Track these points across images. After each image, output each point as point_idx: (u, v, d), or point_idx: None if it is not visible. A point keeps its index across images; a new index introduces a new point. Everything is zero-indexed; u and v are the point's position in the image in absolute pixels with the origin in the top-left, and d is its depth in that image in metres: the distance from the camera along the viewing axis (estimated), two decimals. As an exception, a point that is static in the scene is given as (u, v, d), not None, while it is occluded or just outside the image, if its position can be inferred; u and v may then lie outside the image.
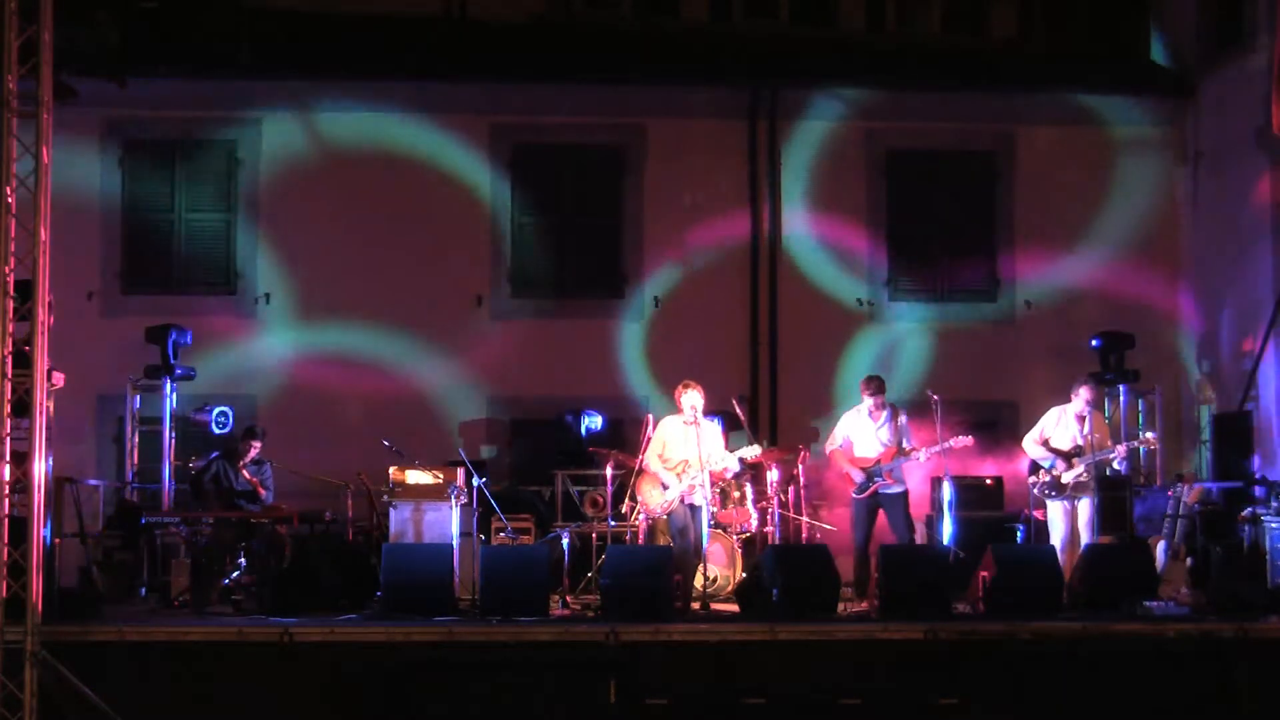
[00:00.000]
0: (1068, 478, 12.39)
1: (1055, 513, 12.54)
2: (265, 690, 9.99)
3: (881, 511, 12.40)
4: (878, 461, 12.32)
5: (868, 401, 12.54)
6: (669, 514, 11.83)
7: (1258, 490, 13.66)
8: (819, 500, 13.99)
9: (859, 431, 12.57)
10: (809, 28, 18.19)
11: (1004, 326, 16.99)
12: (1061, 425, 12.59)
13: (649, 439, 12.02)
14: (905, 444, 12.34)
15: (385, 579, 11.09)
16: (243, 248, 16.58)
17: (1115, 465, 13.51)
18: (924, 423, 12.70)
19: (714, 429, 12.11)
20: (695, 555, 11.78)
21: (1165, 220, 17.13)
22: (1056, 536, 12.47)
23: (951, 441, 12.31)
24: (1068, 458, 12.41)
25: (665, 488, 11.76)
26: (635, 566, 11.10)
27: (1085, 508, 12.44)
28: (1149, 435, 13.26)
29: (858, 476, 12.37)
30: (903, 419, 12.48)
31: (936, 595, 11.01)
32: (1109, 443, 12.78)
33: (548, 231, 16.91)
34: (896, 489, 12.33)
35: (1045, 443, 12.57)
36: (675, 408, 12.04)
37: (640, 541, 12.59)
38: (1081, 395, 12.61)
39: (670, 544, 11.84)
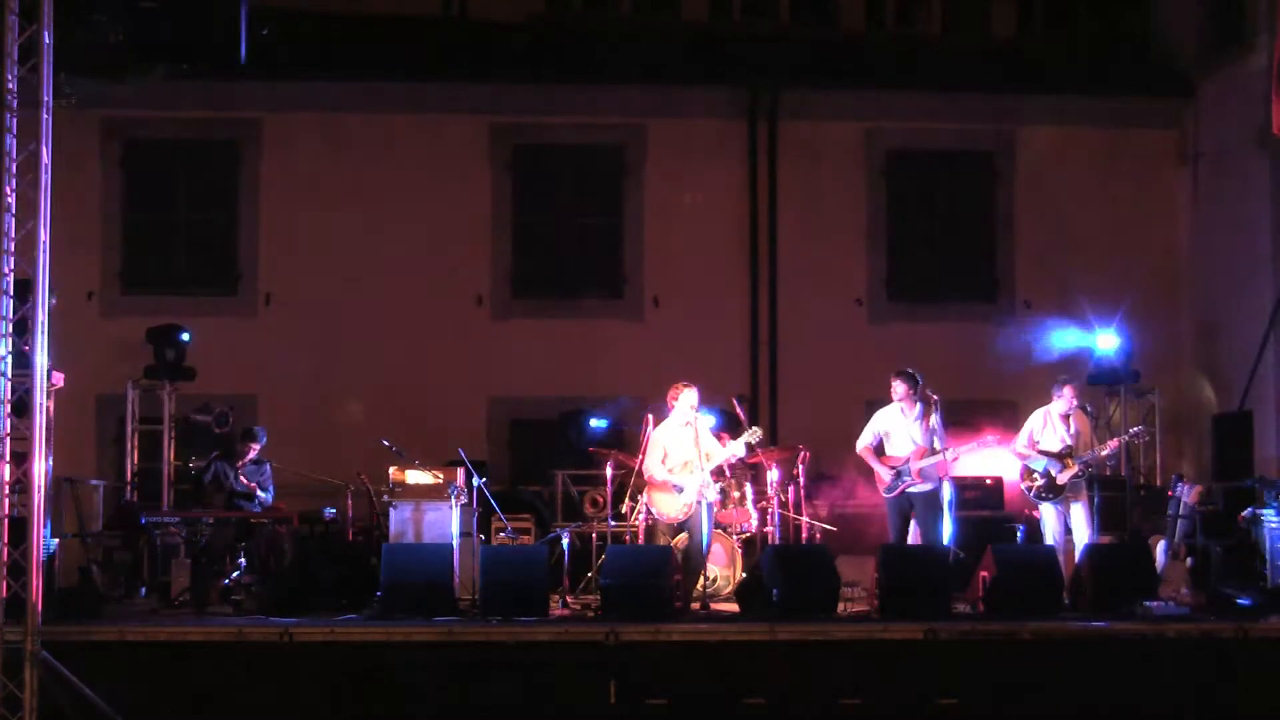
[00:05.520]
0: (1064, 479, 12.36)
1: (1048, 515, 12.50)
2: (265, 690, 9.99)
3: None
4: (907, 460, 12.16)
5: (899, 397, 12.30)
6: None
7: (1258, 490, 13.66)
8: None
9: (892, 429, 12.33)
10: (809, 28, 18.21)
11: (1003, 327, 16.99)
12: (1048, 428, 12.53)
13: (646, 446, 11.96)
14: (937, 443, 12.06)
15: (385, 579, 11.08)
16: (243, 248, 16.59)
17: (1110, 463, 13.42)
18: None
19: (707, 423, 12.10)
20: (699, 556, 11.76)
21: (1165, 220, 17.15)
22: (1049, 539, 12.40)
23: (979, 442, 12.30)
24: (1061, 459, 12.37)
25: (680, 491, 11.72)
26: (635, 566, 11.08)
27: (1079, 510, 12.41)
28: (1134, 430, 13.26)
29: (886, 476, 12.23)
30: (935, 417, 12.17)
31: (936, 595, 11.00)
32: (1097, 441, 12.70)
33: (548, 231, 16.93)
34: (926, 487, 12.09)
35: (1034, 446, 12.52)
36: (669, 413, 11.97)
37: (640, 541, 12.57)
38: (1065, 395, 12.51)
39: (670, 544, 11.81)
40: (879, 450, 12.39)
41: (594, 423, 15.42)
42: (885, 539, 12.40)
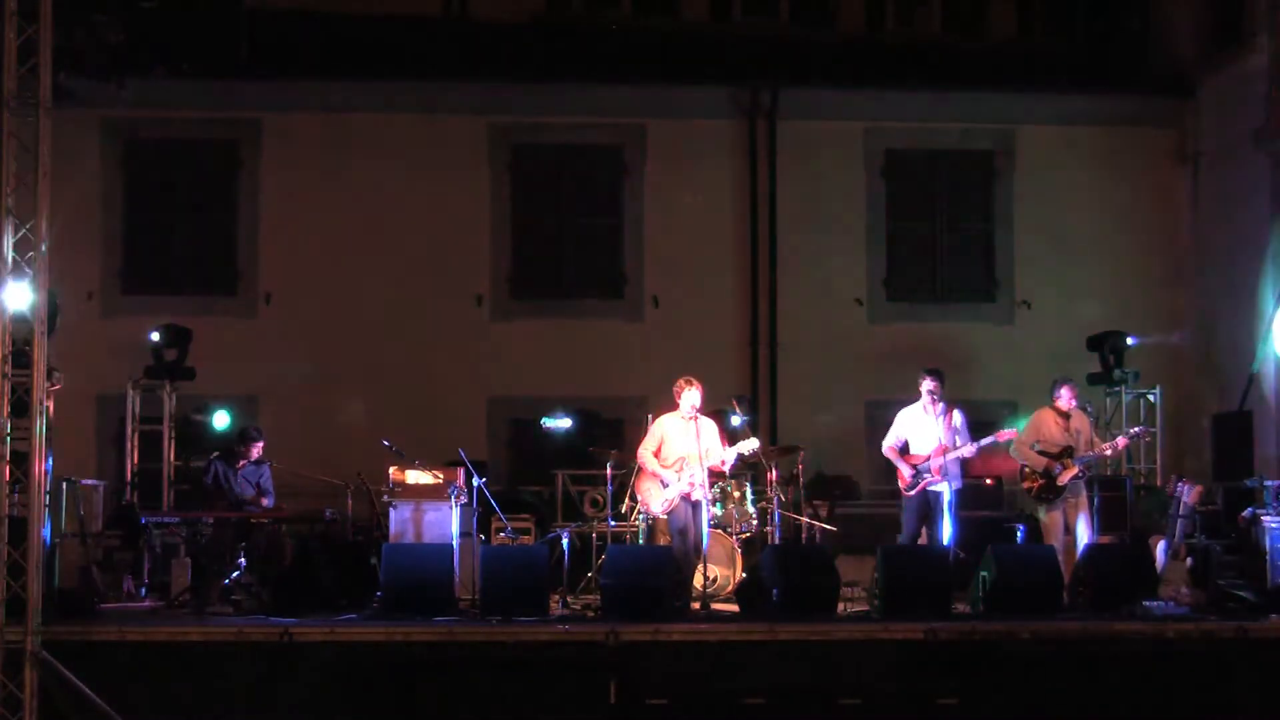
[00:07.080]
0: (1064, 479, 12.34)
1: (1049, 517, 12.48)
2: (265, 690, 9.99)
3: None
4: (928, 458, 12.09)
5: (924, 394, 12.22)
6: (670, 513, 11.81)
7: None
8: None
9: (915, 427, 12.28)
10: (809, 28, 18.19)
11: (1003, 327, 16.99)
12: (1048, 428, 12.53)
13: (646, 435, 12.00)
14: (956, 441, 12.00)
15: (385, 579, 11.08)
16: (243, 248, 16.59)
17: (1110, 463, 13.40)
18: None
19: (711, 426, 12.10)
20: (695, 554, 11.77)
21: (1165, 220, 17.14)
22: (1051, 541, 12.38)
23: (996, 436, 12.21)
24: (1061, 459, 12.36)
25: (665, 485, 11.75)
26: (635, 566, 11.09)
27: (1079, 511, 12.38)
28: (1134, 430, 13.24)
29: (907, 474, 12.18)
30: (958, 415, 12.15)
31: (936, 595, 11.00)
32: (1098, 441, 12.69)
33: (548, 231, 16.93)
34: (941, 486, 12.02)
35: (1034, 446, 12.49)
36: (674, 405, 11.99)
37: (640, 541, 12.58)
38: (1065, 395, 12.53)
39: (670, 544, 11.83)
40: (904, 450, 12.35)
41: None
42: (885, 539, 12.39)
